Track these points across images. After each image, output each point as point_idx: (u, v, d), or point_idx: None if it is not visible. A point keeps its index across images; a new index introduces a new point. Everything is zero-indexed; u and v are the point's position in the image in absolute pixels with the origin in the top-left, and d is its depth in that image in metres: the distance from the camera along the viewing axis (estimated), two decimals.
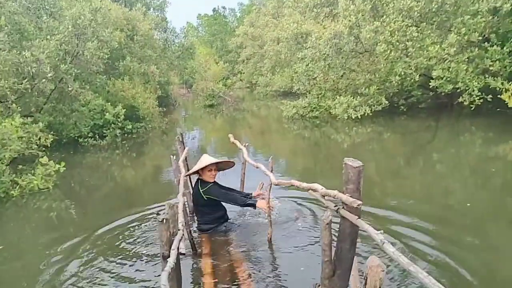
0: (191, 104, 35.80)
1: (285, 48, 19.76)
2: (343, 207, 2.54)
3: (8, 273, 5.04)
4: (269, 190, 4.74)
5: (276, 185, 4.18)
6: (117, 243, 5.30)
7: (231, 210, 5.43)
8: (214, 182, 5.05)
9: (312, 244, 4.63)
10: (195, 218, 5.35)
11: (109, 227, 5.95)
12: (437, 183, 7.49)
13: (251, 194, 5.41)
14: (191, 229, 4.74)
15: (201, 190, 4.95)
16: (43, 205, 8.12)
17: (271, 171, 4.66)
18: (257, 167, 5.04)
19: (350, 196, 2.43)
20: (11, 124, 8.19)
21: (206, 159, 5.05)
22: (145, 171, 11.71)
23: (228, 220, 5.29)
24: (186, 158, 5.79)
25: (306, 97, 17.24)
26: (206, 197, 4.95)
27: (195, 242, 4.65)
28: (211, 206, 5.09)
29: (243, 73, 48.38)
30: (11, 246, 6.03)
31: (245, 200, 5.00)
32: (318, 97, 16.57)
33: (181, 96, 40.25)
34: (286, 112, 17.06)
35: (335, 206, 2.58)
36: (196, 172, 5.07)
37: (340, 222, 2.62)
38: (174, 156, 5.02)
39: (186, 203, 5.72)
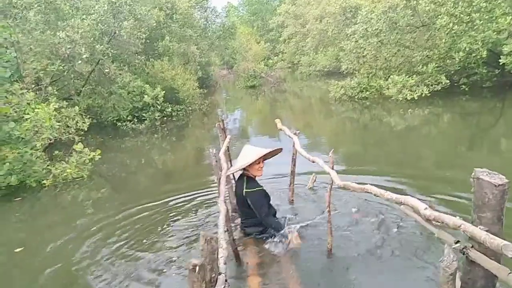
0: (232, 85, 35.01)
1: (331, 24, 18.47)
2: (472, 246, 1.62)
3: (41, 265, 4.55)
4: (330, 192, 3.87)
5: (342, 188, 3.29)
6: (156, 229, 5.11)
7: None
8: (262, 188, 4.25)
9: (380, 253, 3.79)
10: (239, 218, 4.57)
11: (147, 213, 5.71)
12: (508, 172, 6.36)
13: (287, 217, 4.63)
14: (233, 234, 3.94)
15: (245, 191, 4.16)
16: (78, 194, 7.61)
17: (332, 168, 3.78)
18: (313, 161, 4.16)
19: (487, 231, 1.51)
20: (45, 110, 7.63)
21: (253, 153, 4.20)
22: (185, 155, 11.06)
23: None
24: (228, 148, 4.98)
25: (356, 76, 16.01)
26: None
27: (238, 250, 3.87)
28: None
29: (285, 53, 46.99)
30: (42, 237, 5.55)
31: (279, 227, 4.16)
32: (368, 77, 15.31)
33: (222, 77, 39.58)
34: (333, 93, 15.92)
35: (457, 243, 1.67)
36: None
37: (466, 266, 1.71)
38: (214, 150, 4.17)
39: (228, 202, 4.98)
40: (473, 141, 9.14)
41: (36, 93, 10.66)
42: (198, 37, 22.84)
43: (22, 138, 7.49)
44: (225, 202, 3.32)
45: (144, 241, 4.80)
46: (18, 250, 4.99)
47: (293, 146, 5.41)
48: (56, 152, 9.05)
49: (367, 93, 15.20)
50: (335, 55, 28.81)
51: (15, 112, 7.65)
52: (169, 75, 16.31)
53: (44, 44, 10.65)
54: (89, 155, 8.08)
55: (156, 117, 14.65)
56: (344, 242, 4.13)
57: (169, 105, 15.40)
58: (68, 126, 10.61)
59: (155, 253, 4.42)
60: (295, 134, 5.30)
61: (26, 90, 9.79)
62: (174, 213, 5.62)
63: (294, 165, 5.58)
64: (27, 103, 7.68)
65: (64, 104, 10.48)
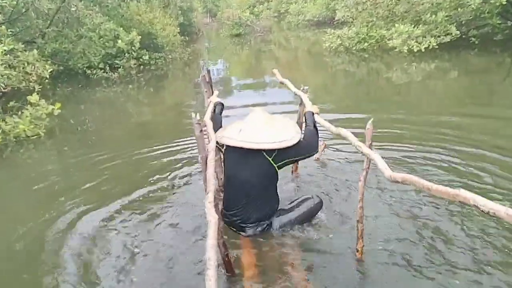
0: (215, 34, 33.00)
1: None
2: None
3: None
4: (364, 178, 2.72)
5: (392, 181, 2.10)
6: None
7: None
8: None
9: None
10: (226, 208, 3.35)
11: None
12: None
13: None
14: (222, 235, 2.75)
15: (271, 159, 3.07)
16: (32, 155, 6.33)
17: (370, 146, 2.62)
18: (338, 134, 2.98)
19: None
20: None
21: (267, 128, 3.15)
22: (164, 109, 9.69)
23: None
24: (215, 110, 3.73)
25: (354, 26, 14.55)
26: (280, 166, 3.15)
27: (229, 256, 2.72)
28: (273, 189, 3.28)
29: (271, 1, 44.61)
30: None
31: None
32: (368, 26, 13.90)
33: (205, 25, 37.36)
34: (329, 43, 14.49)
35: None
36: None
37: None
38: (197, 115, 2.77)
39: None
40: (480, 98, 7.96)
41: None
42: None
43: None
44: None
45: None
46: None
47: (300, 105, 4.19)
48: (12, 103, 7.65)
49: (366, 44, 13.84)
50: (325, 3, 27.09)
51: None
52: (146, 18, 14.57)
53: None
54: (46, 108, 6.69)
55: (131, 65, 13.10)
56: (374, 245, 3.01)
57: (146, 52, 13.81)
58: (28, 73, 9.14)
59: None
60: (302, 90, 4.06)
61: None
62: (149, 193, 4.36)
63: (300, 130, 4.36)
64: None
65: (21, 47, 8.91)
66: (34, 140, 6.55)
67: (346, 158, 4.76)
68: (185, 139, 5.93)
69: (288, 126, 3.31)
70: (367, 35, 13.81)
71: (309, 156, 3.27)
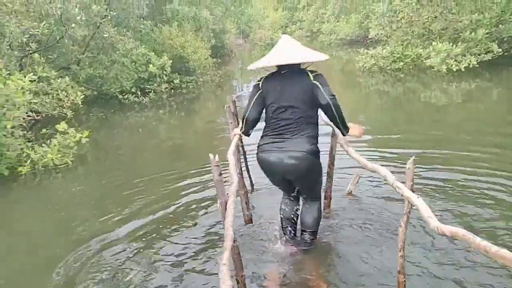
0: (248, 54, 33.16)
1: None
2: None
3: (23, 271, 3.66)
4: (405, 225, 2.38)
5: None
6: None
7: None
8: None
9: None
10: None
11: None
12: None
13: None
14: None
15: (312, 76, 3.07)
16: (62, 183, 6.24)
17: (412, 188, 2.29)
18: (374, 171, 2.66)
19: None
20: (17, 82, 6.12)
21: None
22: (195, 132, 9.55)
23: None
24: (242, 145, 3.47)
25: (388, 45, 14.14)
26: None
27: None
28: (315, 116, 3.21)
29: (303, 21, 44.70)
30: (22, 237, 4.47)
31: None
32: (403, 45, 13.46)
33: (237, 46, 37.64)
34: (363, 63, 14.12)
35: None
36: None
37: None
38: (216, 156, 2.48)
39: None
40: None
41: (22, 61, 9.25)
42: (211, 2, 21.03)
43: None
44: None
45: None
46: None
47: (332, 136, 3.89)
48: (44, 130, 7.67)
49: (401, 63, 13.38)
50: (358, 22, 26.82)
51: None
52: (178, 42, 14.66)
53: (31, 2, 9.11)
54: (75, 136, 6.64)
55: (162, 89, 13.13)
56: None
57: (178, 75, 13.84)
58: (61, 100, 9.27)
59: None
60: None
61: (8, 58, 8.42)
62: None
63: (333, 163, 4.04)
64: None
65: (53, 75, 9.05)
66: (62, 169, 6.48)
67: (383, 195, 4.34)
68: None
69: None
70: (402, 54, 13.36)
71: (328, 110, 3.06)
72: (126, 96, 12.33)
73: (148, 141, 8.89)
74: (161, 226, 4.13)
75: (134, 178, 5.77)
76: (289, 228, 3.46)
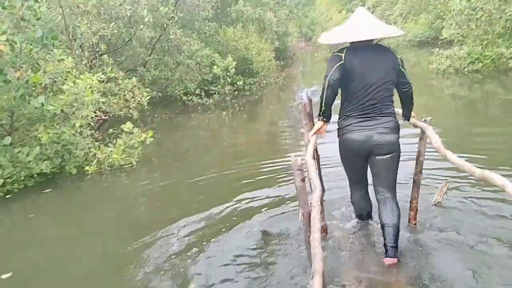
0: (310, 57, 32.62)
1: None
2: None
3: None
4: None
5: None
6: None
7: None
8: None
9: None
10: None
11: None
12: None
13: None
14: None
15: (400, 58, 3.05)
16: (127, 182, 6.17)
17: None
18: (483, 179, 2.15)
19: None
20: (87, 81, 6.12)
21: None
22: (258, 135, 9.27)
23: None
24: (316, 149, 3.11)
25: (465, 45, 13.08)
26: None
27: None
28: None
29: None
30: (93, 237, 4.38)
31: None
32: (482, 45, 12.39)
33: (300, 49, 37.26)
34: (437, 65, 13.18)
35: None
36: None
37: None
38: (298, 158, 2.10)
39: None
40: None
41: (92, 62, 9.43)
42: (275, 4, 20.82)
43: (61, 114, 6.11)
44: None
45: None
46: (5, 276, 3.54)
47: (421, 139, 3.39)
48: (111, 130, 7.72)
49: (480, 64, 12.31)
50: (429, 22, 25.45)
51: (54, 82, 6.28)
52: (242, 43, 14.51)
53: (102, 4, 9.27)
54: (139, 136, 6.55)
55: (226, 91, 13.01)
56: None
57: (241, 77, 13.68)
58: (127, 100, 9.34)
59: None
60: (424, 121, 3.27)
61: (78, 58, 8.59)
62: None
63: (421, 170, 3.52)
64: (68, 71, 6.25)
65: (121, 76, 9.13)
66: (127, 168, 6.42)
67: (480, 206, 3.76)
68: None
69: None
70: (481, 54, 12.29)
71: (409, 89, 3.16)
72: (190, 98, 12.34)
73: (210, 142, 8.79)
74: (222, 225, 4.05)
75: (196, 177, 5.76)
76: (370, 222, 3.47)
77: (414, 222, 3.56)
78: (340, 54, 2.97)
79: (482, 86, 11.72)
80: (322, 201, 3.57)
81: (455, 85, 12.33)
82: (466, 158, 4.94)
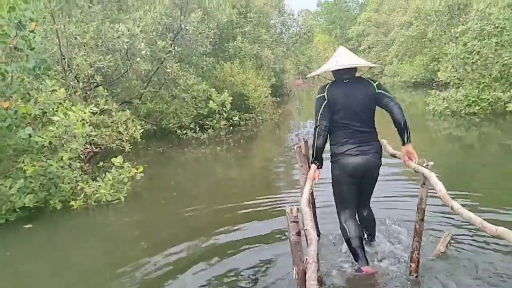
0: (306, 95, 32.93)
1: (434, 23, 15.69)
2: None
3: None
4: None
5: None
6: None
7: None
8: None
9: None
10: None
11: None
12: None
13: None
14: None
15: (375, 85, 3.38)
16: (115, 218, 5.92)
17: None
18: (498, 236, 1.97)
19: None
20: (78, 113, 5.95)
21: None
22: (252, 171, 9.07)
23: None
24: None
25: (461, 87, 13.17)
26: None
27: None
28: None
29: None
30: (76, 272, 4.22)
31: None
32: (479, 88, 12.47)
33: (296, 86, 37.67)
34: (434, 106, 13.21)
35: None
36: None
37: None
38: (293, 208, 1.92)
39: None
40: None
41: (86, 93, 9.32)
42: (273, 42, 21.09)
43: (49, 146, 5.90)
44: None
45: None
46: None
47: (422, 185, 3.23)
48: (102, 163, 7.48)
49: (477, 107, 12.35)
50: (424, 64, 25.88)
51: (44, 113, 6.12)
52: (239, 79, 14.54)
53: (100, 36, 9.25)
54: (129, 172, 6.34)
55: (221, 126, 12.90)
56: None
57: (237, 112, 13.62)
58: (120, 133, 9.16)
59: None
60: (426, 166, 3.11)
61: (73, 89, 8.47)
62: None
63: (422, 219, 3.33)
64: (59, 102, 6.09)
65: (114, 108, 9.00)
66: (115, 204, 6.16)
67: (485, 259, 3.56)
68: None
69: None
70: (478, 97, 12.36)
71: (394, 100, 3.37)
72: (184, 132, 12.23)
73: (203, 177, 8.58)
74: (206, 261, 4.01)
75: (185, 212, 5.71)
76: (361, 247, 3.42)
77: (415, 275, 3.33)
78: (323, 94, 3.34)
79: (479, 129, 11.68)
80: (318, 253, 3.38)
81: (452, 127, 12.29)
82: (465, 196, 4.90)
